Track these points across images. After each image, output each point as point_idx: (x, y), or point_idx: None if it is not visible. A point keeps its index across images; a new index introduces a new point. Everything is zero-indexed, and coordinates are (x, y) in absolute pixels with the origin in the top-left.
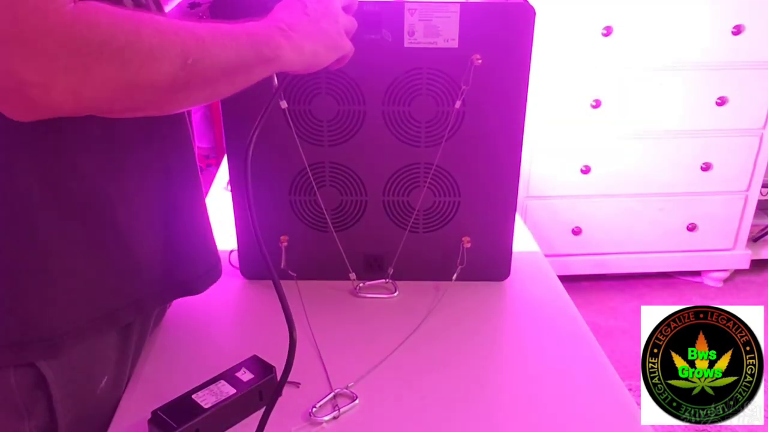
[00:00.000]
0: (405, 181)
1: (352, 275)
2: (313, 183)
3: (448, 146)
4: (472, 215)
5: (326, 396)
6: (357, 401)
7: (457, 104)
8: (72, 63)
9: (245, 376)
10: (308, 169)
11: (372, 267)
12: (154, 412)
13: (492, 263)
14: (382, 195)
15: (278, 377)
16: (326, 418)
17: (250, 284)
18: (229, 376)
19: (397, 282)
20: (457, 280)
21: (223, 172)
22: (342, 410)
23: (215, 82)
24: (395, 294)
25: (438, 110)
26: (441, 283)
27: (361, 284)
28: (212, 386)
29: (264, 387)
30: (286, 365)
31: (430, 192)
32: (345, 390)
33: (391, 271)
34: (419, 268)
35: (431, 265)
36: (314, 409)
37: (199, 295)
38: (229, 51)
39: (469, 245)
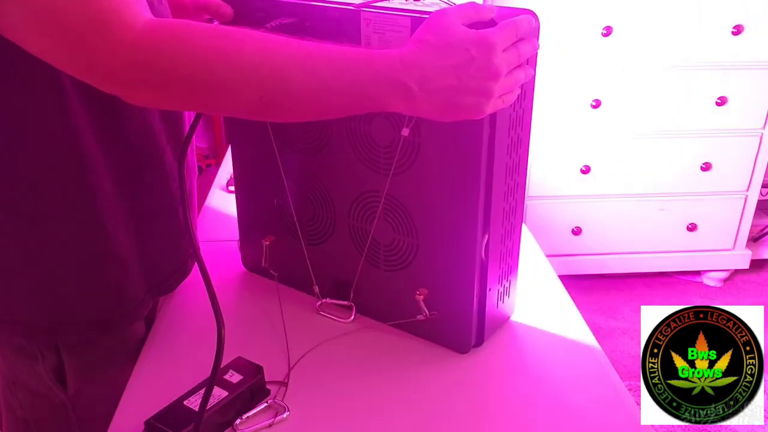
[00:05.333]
0: (367, 208)
1: (316, 288)
2: (287, 190)
3: (406, 179)
4: (430, 264)
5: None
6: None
7: (405, 131)
8: (139, 82)
9: (234, 377)
10: (283, 175)
11: (339, 289)
12: (146, 422)
13: (451, 329)
14: (348, 217)
15: (266, 377)
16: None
17: (227, 286)
18: (217, 378)
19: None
20: (418, 336)
21: (223, 173)
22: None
23: (303, 115)
24: (351, 319)
25: (394, 136)
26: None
27: (320, 301)
28: (202, 390)
29: (254, 387)
30: (215, 362)
31: (389, 226)
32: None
33: (351, 294)
34: (382, 308)
35: (394, 309)
36: (239, 422)
37: (175, 302)
38: (321, 96)
39: (422, 297)
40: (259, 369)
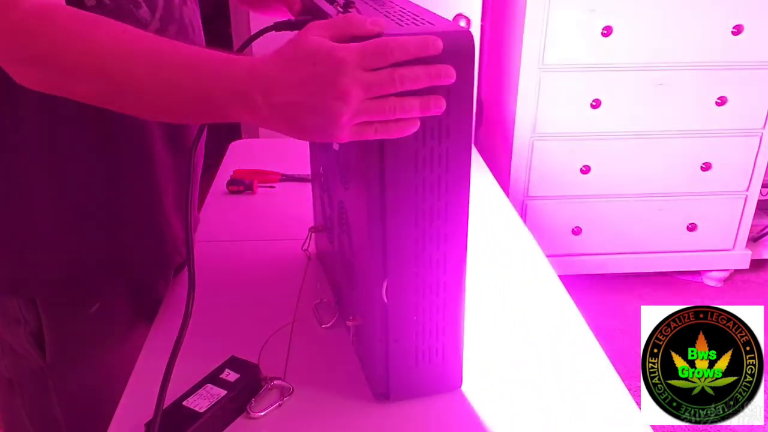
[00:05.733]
0: (340, 219)
1: (319, 285)
2: (311, 185)
3: (350, 196)
4: (361, 294)
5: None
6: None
7: (335, 145)
8: (11, 60)
9: (231, 376)
10: (310, 170)
11: (335, 292)
12: (147, 425)
13: (367, 367)
14: (338, 223)
15: (261, 374)
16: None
17: (221, 282)
18: (214, 378)
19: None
20: (360, 363)
21: (223, 173)
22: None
23: (151, 113)
24: (328, 325)
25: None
26: None
27: (318, 301)
28: (200, 391)
29: (252, 385)
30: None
31: (347, 242)
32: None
33: (336, 301)
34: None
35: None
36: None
37: (174, 302)
38: (164, 95)
39: (352, 324)
40: (254, 367)
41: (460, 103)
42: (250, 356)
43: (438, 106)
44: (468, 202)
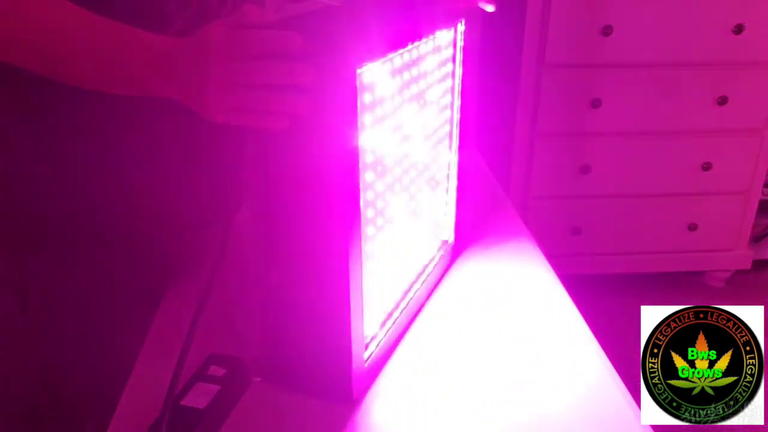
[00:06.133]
0: None
1: None
2: None
3: None
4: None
5: None
6: None
7: None
8: None
9: (218, 371)
10: None
11: None
12: (150, 428)
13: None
14: None
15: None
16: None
17: None
18: (202, 376)
19: None
20: None
21: None
22: None
23: (81, 85)
24: None
25: None
26: None
27: None
28: (193, 389)
29: (241, 377)
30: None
31: None
32: None
33: None
34: None
35: None
36: None
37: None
38: (90, 73)
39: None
40: (238, 359)
41: (333, 103)
42: (227, 350)
43: (299, 104)
44: (356, 202)
